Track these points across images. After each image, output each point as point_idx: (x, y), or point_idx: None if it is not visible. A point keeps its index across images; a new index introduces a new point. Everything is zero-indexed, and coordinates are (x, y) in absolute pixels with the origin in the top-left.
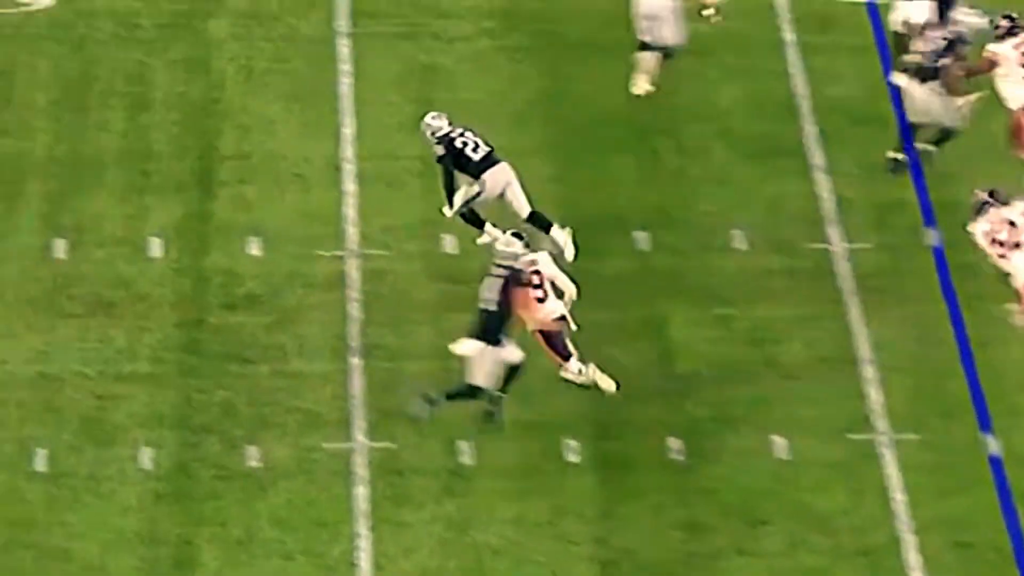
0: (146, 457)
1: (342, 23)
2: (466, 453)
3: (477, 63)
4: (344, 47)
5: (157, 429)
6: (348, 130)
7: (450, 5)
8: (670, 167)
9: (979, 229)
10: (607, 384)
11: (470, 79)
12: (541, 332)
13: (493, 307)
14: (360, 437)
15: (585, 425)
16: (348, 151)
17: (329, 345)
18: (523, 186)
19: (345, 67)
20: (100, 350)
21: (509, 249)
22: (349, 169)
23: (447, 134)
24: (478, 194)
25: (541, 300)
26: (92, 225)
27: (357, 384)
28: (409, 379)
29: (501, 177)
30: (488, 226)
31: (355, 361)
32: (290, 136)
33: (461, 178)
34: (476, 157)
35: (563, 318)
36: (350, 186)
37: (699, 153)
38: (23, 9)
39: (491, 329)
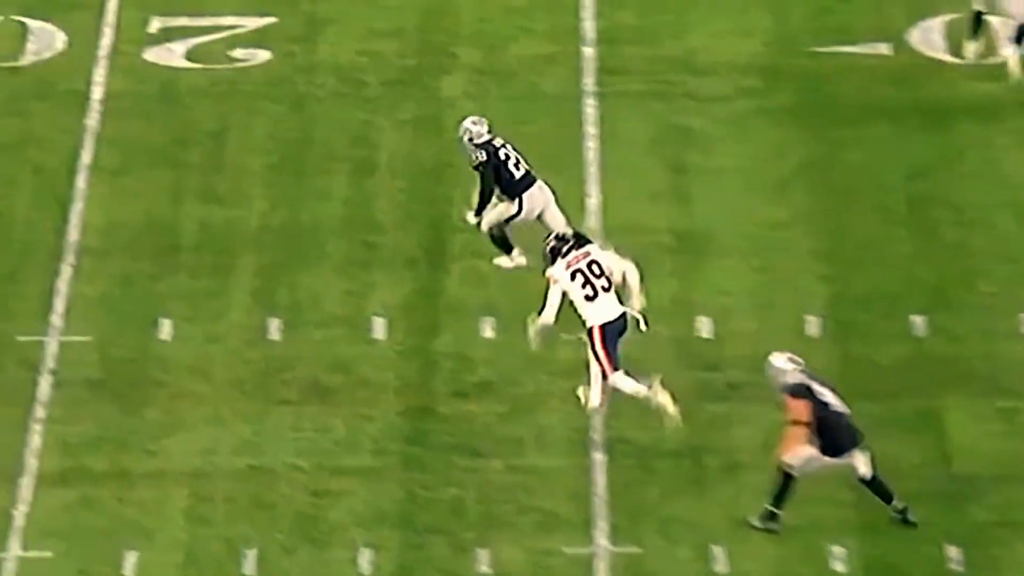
0: (366, 560)
1: (588, 81)
2: (719, 560)
3: (736, 126)
4: (590, 107)
5: (378, 529)
6: (593, 199)
7: (707, 61)
8: (950, 241)
9: None
10: (671, 409)
11: (728, 143)
12: (601, 329)
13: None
14: (602, 541)
15: (852, 529)
16: (593, 222)
17: (569, 438)
18: (562, 208)
19: (591, 129)
20: (316, 440)
21: (784, 365)
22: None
23: (489, 141)
24: (515, 216)
25: (591, 298)
26: (309, 302)
27: (600, 482)
28: (657, 477)
29: (539, 198)
30: (516, 253)
31: (598, 456)
32: None
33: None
34: (517, 174)
35: (623, 317)
36: None
37: (983, 226)
38: (237, 64)
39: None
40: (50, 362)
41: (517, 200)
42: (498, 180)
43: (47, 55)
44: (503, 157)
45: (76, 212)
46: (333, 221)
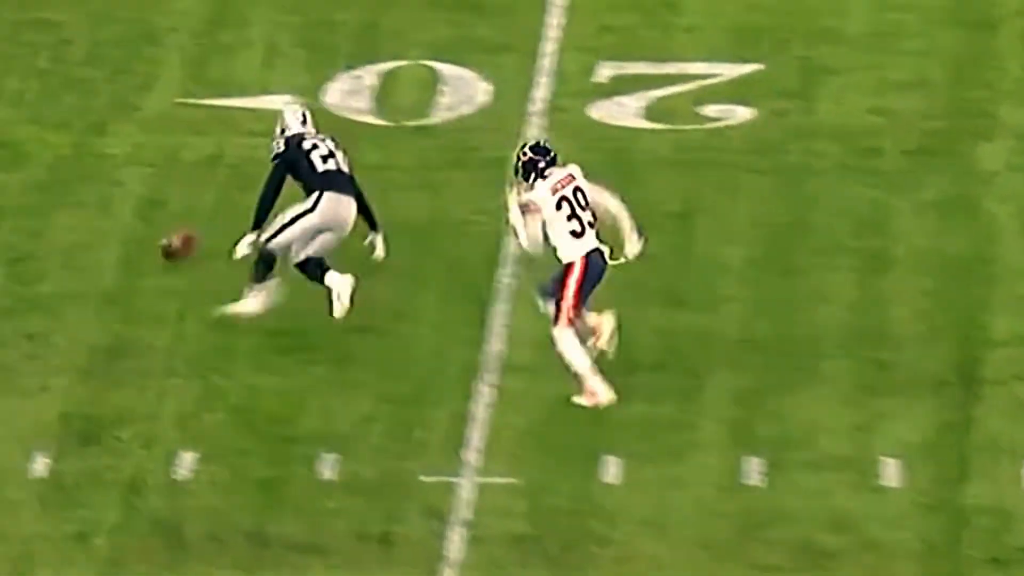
0: None
1: None
2: None
3: None
4: None
5: None
6: None
7: None
8: None
9: None
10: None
11: None
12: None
13: None
14: None
15: None
16: None
17: None
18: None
19: None
20: None
21: None
22: None
23: (299, 136)
24: (304, 214)
25: (578, 235)
26: (801, 438)
27: None
28: None
29: (343, 210)
30: (270, 284)
31: None
32: None
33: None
34: (321, 167)
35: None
36: None
37: None
38: (710, 125)
39: None
40: (464, 511)
41: (315, 195)
42: (298, 175)
43: (465, 111)
44: (308, 147)
45: (499, 317)
46: (834, 332)
